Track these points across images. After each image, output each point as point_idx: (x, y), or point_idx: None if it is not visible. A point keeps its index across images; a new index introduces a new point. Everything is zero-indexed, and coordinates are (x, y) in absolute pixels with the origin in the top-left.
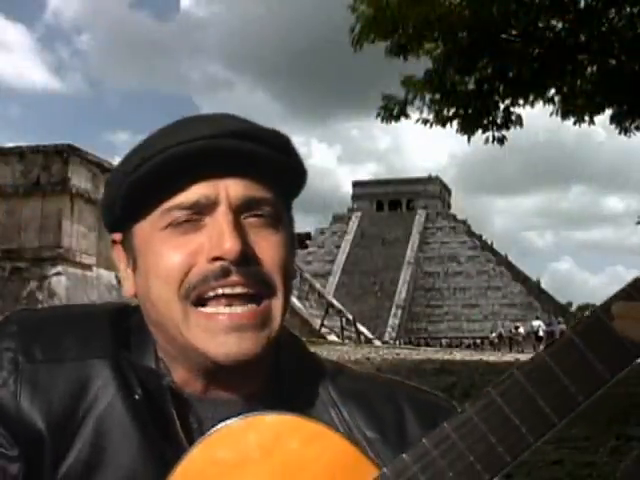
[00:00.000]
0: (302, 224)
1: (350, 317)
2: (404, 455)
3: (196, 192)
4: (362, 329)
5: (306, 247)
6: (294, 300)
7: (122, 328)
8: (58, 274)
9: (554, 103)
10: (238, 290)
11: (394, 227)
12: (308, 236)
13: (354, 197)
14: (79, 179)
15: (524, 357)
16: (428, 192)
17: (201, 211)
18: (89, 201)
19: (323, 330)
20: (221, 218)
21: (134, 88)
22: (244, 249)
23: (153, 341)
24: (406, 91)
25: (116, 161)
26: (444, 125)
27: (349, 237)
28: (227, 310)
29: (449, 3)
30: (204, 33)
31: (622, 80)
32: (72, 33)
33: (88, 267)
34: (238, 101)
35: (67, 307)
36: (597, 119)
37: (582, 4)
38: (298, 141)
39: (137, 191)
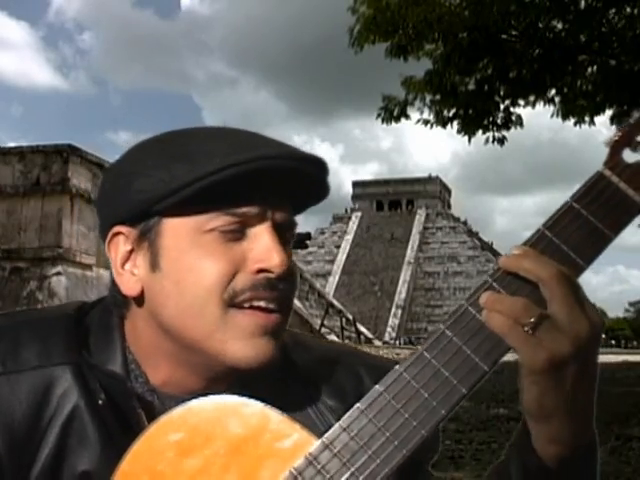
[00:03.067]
0: (304, 224)
1: (350, 317)
2: (340, 422)
3: (247, 203)
4: (362, 329)
5: (306, 247)
6: (294, 300)
7: (81, 330)
8: (58, 274)
9: (554, 104)
10: (272, 305)
11: (394, 227)
12: (308, 236)
13: (354, 197)
14: (79, 179)
15: None
16: (428, 192)
17: (247, 222)
18: (89, 201)
19: (323, 330)
20: (267, 232)
21: (137, 87)
22: (290, 266)
23: (121, 344)
24: (406, 92)
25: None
26: (444, 126)
27: (349, 237)
28: (260, 313)
29: (449, 3)
30: (208, 32)
31: (622, 80)
32: (75, 31)
33: (88, 267)
34: (242, 100)
35: (24, 313)
36: (599, 119)
37: (582, 4)
38: (300, 140)
39: (205, 194)
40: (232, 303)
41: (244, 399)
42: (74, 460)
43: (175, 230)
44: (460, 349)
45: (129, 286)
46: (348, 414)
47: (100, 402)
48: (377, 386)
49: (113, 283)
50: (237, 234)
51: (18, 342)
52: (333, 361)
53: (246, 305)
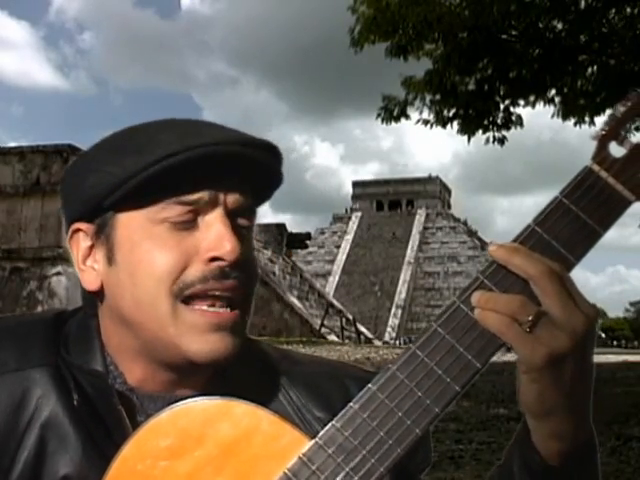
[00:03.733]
0: (304, 224)
1: (350, 317)
2: (334, 422)
3: (199, 190)
4: (362, 329)
5: (306, 247)
6: (294, 300)
7: (61, 334)
8: (58, 274)
9: (554, 104)
10: (228, 294)
11: (394, 227)
12: (308, 236)
13: (354, 197)
14: None
15: None
16: (428, 192)
17: (199, 210)
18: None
19: (323, 330)
20: (219, 220)
21: (138, 86)
22: (242, 252)
23: (100, 343)
24: (406, 92)
25: None
26: (444, 126)
27: (349, 237)
28: (212, 309)
29: (449, 3)
30: (208, 31)
31: (622, 80)
32: (76, 31)
33: None
34: (243, 99)
35: (3, 319)
36: (599, 119)
37: (582, 4)
38: (301, 140)
39: (152, 185)
40: (183, 296)
41: (235, 400)
42: (54, 464)
43: (128, 223)
44: (453, 347)
45: (90, 281)
46: (341, 414)
47: (75, 403)
48: (370, 385)
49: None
50: (190, 224)
51: None
52: (320, 374)
53: (198, 299)
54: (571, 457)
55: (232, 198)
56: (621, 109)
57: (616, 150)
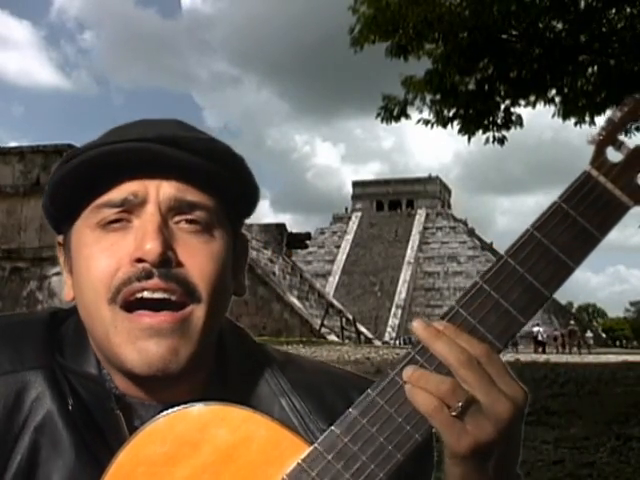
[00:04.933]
0: (304, 224)
1: (350, 317)
2: (333, 427)
3: (126, 190)
4: (362, 329)
5: (306, 247)
6: (294, 300)
7: (56, 335)
8: (58, 274)
9: (555, 104)
10: (158, 295)
11: (394, 227)
12: (308, 236)
13: (354, 197)
14: None
15: (523, 357)
16: (428, 192)
17: (130, 210)
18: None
19: (323, 330)
20: (148, 218)
21: (140, 86)
22: (165, 251)
23: (92, 347)
24: (406, 91)
25: None
26: (444, 126)
27: (349, 237)
28: (147, 313)
29: (449, 3)
30: (210, 30)
31: (622, 80)
32: (77, 30)
33: None
34: (244, 99)
35: None
36: (598, 120)
37: (582, 4)
38: (302, 140)
39: (64, 186)
40: (120, 302)
41: (232, 405)
42: (48, 467)
43: (77, 232)
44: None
45: (66, 292)
46: (340, 419)
47: (70, 407)
48: (369, 391)
49: None
50: (124, 224)
51: None
52: (325, 383)
53: (140, 305)
54: None
55: (165, 195)
56: (618, 114)
57: (613, 155)
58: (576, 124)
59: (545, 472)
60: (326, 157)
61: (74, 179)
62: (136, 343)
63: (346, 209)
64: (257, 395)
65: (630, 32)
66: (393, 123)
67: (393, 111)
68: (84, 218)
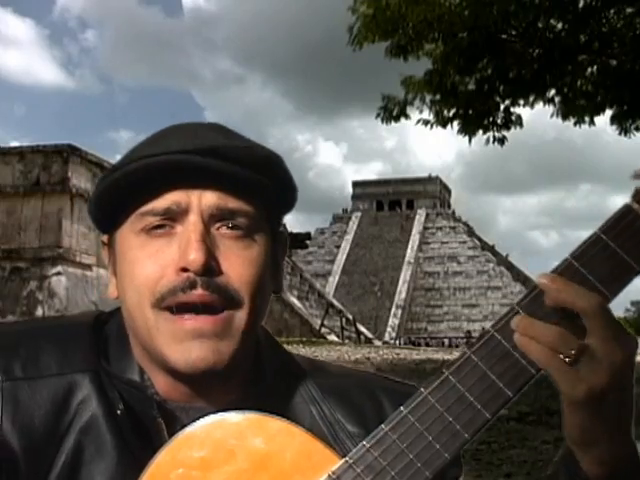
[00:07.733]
0: (304, 224)
1: (350, 317)
2: (364, 442)
3: (169, 199)
4: (362, 329)
5: (306, 247)
6: (294, 300)
7: (100, 338)
8: (58, 274)
9: (554, 104)
10: (201, 302)
11: (394, 227)
12: (308, 236)
13: (354, 197)
14: (79, 179)
15: None
16: (428, 192)
17: (173, 218)
18: (89, 201)
19: (323, 330)
20: (191, 227)
21: (143, 84)
22: (208, 261)
23: (134, 351)
24: (406, 91)
25: (117, 160)
26: (444, 126)
27: (349, 237)
28: (187, 315)
29: (449, 3)
30: (214, 29)
31: (622, 80)
32: (80, 29)
33: (88, 267)
34: (248, 98)
35: (43, 320)
36: (601, 119)
37: (581, 4)
38: (304, 139)
39: (109, 195)
40: (161, 306)
41: (269, 415)
42: (90, 469)
43: (122, 236)
44: (485, 374)
45: (111, 290)
46: (372, 435)
47: (119, 412)
48: (402, 408)
49: None
50: (168, 231)
51: (38, 348)
52: (353, 387)
53: (173, 309)
54: (616, 477)
55: (207, 204)
56: None
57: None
58: (576, 124)
59: (545, 472)
60: (328, 157)
61: (118, 189)
62: (180, 344)
63: (344, 210)
64: (290, 402)
65: (630, 32)
66: (393, 123)
67: (393, 111)
68: (129, 223)
